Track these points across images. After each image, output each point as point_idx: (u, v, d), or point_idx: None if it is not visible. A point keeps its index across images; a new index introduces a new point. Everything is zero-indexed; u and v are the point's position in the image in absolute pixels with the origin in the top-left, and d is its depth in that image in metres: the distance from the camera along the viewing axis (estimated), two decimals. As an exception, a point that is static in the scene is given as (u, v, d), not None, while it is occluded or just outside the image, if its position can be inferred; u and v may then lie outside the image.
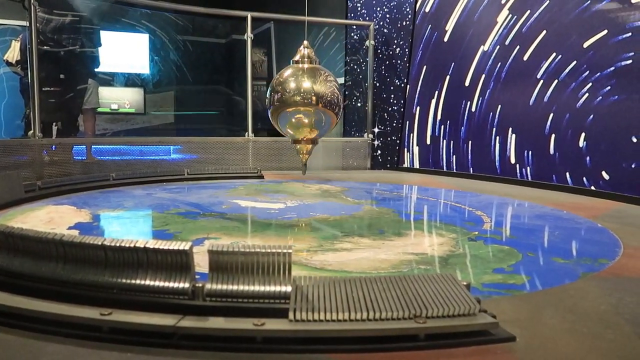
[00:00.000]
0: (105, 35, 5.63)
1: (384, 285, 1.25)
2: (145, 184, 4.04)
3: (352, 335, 1.11)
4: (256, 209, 3.07)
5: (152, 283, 1.20)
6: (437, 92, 5.33)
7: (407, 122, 5.70)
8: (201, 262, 1.48)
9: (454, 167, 5.10)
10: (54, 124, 4.87)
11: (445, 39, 5.26)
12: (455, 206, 3.32)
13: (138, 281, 1.20)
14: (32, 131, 4.21)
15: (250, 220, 2.79)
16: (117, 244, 1.23)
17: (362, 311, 1.14)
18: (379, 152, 5.88)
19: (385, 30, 5.83)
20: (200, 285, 1.19)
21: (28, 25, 4.34)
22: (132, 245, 1.22)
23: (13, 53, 5.06)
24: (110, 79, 6.74)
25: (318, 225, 2.55)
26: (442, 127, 5.27)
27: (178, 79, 7.14)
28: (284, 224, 2.63)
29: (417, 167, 5.54)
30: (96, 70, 5.32)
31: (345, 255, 1.96)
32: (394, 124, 5.80)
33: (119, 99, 6.84)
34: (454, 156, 5.11)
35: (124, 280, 1.21)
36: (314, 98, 2.64)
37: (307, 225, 2.62)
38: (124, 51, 6.68)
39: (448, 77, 5.21)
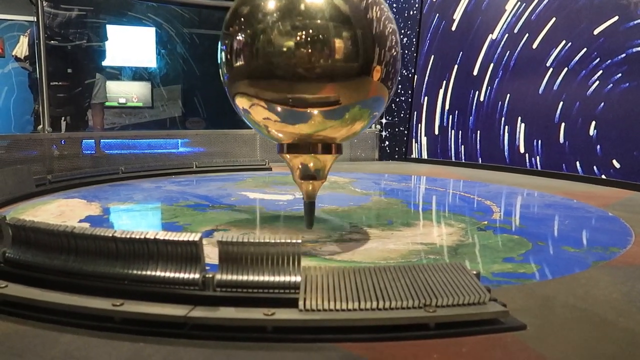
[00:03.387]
0: (111, 29, 5.65)
1: (394, 275, 1.25)
2: (154, 177, 4.07)
3: (362, 324, 1.11)
4: (265, 200, 3.07)
5: (162, 274, 1.21)
6: (445, 82, 5.30)
7: (415, 112, 5.67)
8: (211, 254, 1.49)
9: (463, 157, 5.07)
10: (63, 118, 4.91)
11: (453, 28, 5.22)
12: (464, 196, 3.31)
13: (149, 272, 1.21)
14: (41, 126, 4.25)
15: (259, 212, 2.80)
16: (128, 236, 1.23)
17: (372, 300, 1.14)
18: (387, 143, 5.86)
19: (392, 20, 5.79)
20: (210, 275, 1.20)
21: (35, 20, 4.35)
22: (142, 236, 1.23)
23: (21, 48, 5.08)
24: (117, 73, 6.76)
25: (326, 217, 2.56)
26: (451, 117, 5.24)
27: (185, 72, 7.15)
28: (292, 215, 2.63)
29: (426, 157, 5.52)
30: (103, 64, 5.34)
31: (354, 246, 1.96)
32: (402, 115, 5.77)
33: (126, 92, 6.86)
34: (463, 146, 5.09)
35: (135, 272, 1.21)
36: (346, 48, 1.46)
37: (315, 217, 2.62)
38: (131, 45, 6.70)
39: (456, 66, 5.17)
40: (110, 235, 1.24)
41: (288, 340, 1.10)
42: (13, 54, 5.23)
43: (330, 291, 1.17)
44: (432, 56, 5.45)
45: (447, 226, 2.37)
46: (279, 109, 1.62)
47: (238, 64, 1.60)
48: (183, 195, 3.22)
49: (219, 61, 1.73)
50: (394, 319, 1.11)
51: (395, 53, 1.62)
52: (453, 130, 5.20)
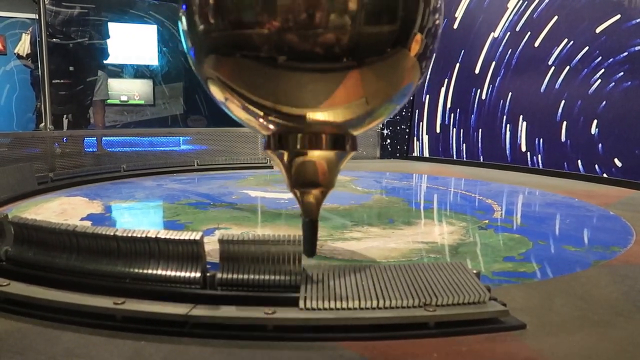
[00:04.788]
0: (113, 27, 5.65)
1: (394, 274, 1.25)
2: (155, 175, 4.07)
3: (363, 323, 1.11)
4: (266, 199, 3.08)
5: (164, 272, 1.21)
6: (446, 80, 5.29)
7: (417, 110, 5.67)
8: (212, 252, 1.49)
9: (464, 156, 5.07)
10: (65, 116, 4.91)
11: (455, 26, 5.21)
12: (465, 195, 3.31)
13: (150, 271, 1.21)
14: (43, 124, 4.25)
15: (260, 210, 2.80)
16: (129, 235, 1.24)
17: (372, 299, 1.14)
18: (388, 141, 5.86)
19: (393, 18, 5.78)
20: (211, 274, 1.20)
21: (37, 18, 4.36)
22: (144, 235, 1.23)
23: (23, 46, 5.09)
24: (119, 71, 6.76)
25: (327, 215, 2.56)
26: (452, 115, 5.23)
27: (187, 69, 7.14)
28: (294, 213, 2.63)
29: (427, 155, 5.52)
30: (105, 62, 5.34)
31: (355, 245, 1.96)
32: (403, 113, 5.77)
33: (128, 90, 6.86)
34: (464, 145, 5.08)
35: (136, 270, 1.22)
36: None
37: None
38: (133, 43, 6.70)
39: (458, 64, 5.16)
40: (112, 234, 1.25)
41: (288, 339, 1.10)
42: (15, 51, 5.24)
43: (331, 290, 1.18)
44: (434, 54, 5.44)
45: (448, 225, 2.37)
46: (262, 118, 1.17)
47: (201, 28, 1.08)
48: (184, 194, 3.22)
49: (180, 30, 1.23)
50: (394, 318, 1.11)
51: (439, 21, 1.18)
52: (455, 129, 5.20)
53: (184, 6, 1.16)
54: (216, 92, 1.22)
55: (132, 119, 6.95)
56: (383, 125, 5.80)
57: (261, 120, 1.23)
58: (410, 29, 1.06)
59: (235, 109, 1.23)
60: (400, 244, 1.98)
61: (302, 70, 1.06)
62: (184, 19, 1.18)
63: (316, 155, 1.26)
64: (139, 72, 6.95)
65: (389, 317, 1.11)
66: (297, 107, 1.16)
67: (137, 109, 7.00)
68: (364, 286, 1.20)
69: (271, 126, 1.24)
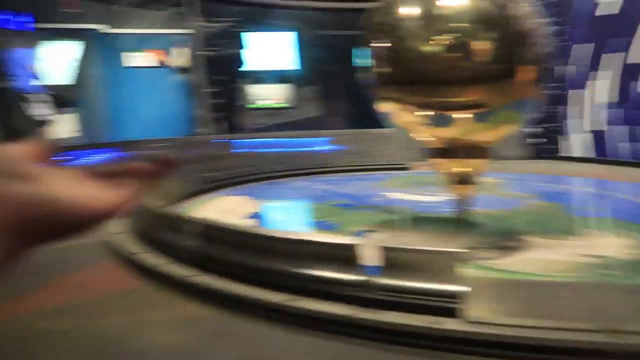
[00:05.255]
0: (254, 36, 6.08)
1: (572, 292, 1.16)
2: (302, 176, 4.28)
3: (534, 343, 1.05)
4: (409, 201, 3.05)
5: (329, 274, 1.27)
6: (600, 72, 4.72)
7: (567, 106, 5.16)
8: (367, 255, 1.52)
9: (631, 156, 4.47)
10: (221, 121, 5.41)
11: (617, 11, 4.63)
12: (639, 202, 2.93)
13: (317, 272, 1.29)
14: (201, 129, 4.72)
15: (406, 213, 2.79)
16: (296, 237, 1.33)
17: (544, 318, 1.07)
18: (535, 139, 5.42)
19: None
20: (373, 279, 1.23)
21: (193, 33, 4.84)
22: (308, 238, 1.32)
23: (181, 59, 5.70)
24: (261, 77, 7.22)
25: (477, 221, 2.45)
26: (614, 110, 4.67)
27: (325, 74, 7.36)
28: (440, 217, 2.57)
29: (580, 156, 4.99)
30: (249, 69, 5.77)
31: (516, 255, 1.84)
32: (549, 110, 5.27)
33: (270, 95, 7.30)
34: (630, 144, 4.49)
35: (304, 271, 1.30)
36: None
37: (465, 221, 2.52)
38: (272, 50, 7.10)
39: (622, 54, 4.58)
40: (283, 236, 1.35)
41: (451, 350, 1.09)
42: (174, 64, 5.87)
43: (498, 304, 1.13)
44: (592, 44, 4.90)
45: (619, 236, 2.12)
46: (423, 112, 1.68)
47: (381, 70, 1.66)
48: (331, 194, 3.34)
49: (357, 64, 1.76)
50: (571, 342, 1.03)
51: (541, 51, 1.60)
52: (615, 126, 4.63)
53: (366, 52, 1.70)
54: (386, 107, 1.77)
55: (275, 122, 7.38)
56: (528, 124, 5.38)
57: (428, 139, 1.83)
58: (514, 65, 1.57)
59: (409, 133, 1.88)
60: (563, 255, 1.82)
61: (449, 107, 1.66)
62: (366, 60, 1.71)
63: (469, 162, 1.81)
64: (280, 77, 7.35)
65: (566, 339, 1.03)
66: (447, 132, 1.75)
67: (280, 112, 7.40)
68: (535, 303, 1.13)
69: (433, 143, 1.81)
